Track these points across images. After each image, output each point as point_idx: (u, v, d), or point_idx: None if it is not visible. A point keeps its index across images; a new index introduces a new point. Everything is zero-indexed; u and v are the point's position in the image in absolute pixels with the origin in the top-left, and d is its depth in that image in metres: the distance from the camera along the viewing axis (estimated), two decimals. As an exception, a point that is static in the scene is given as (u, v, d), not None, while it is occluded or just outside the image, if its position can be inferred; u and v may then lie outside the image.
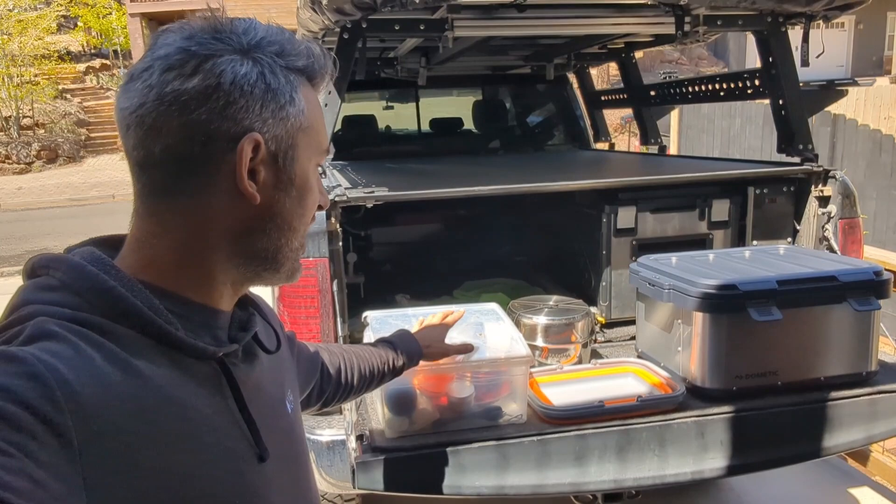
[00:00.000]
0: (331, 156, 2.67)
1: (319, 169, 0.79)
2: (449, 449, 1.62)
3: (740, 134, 9.22)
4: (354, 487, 1.61)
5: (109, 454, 0.57)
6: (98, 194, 13.41)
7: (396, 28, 2.22)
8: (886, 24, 20.89)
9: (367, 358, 1.27)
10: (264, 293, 1.26)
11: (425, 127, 4.52)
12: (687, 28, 2.27)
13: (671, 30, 2.30)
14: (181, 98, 0.65)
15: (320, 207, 0.80)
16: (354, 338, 2.21)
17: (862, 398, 1.83)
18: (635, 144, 12.11)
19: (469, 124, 4.65)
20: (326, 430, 2.02)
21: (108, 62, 21.49)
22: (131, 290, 0.66)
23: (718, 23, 2.38)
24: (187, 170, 0.68)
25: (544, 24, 2.33)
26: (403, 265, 3.20)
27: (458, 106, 4.81)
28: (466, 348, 1.49)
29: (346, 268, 2.19)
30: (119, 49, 21.22)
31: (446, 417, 1.70)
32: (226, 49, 0.68)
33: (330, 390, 1.19)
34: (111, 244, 0.74)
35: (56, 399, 0.54)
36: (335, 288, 2.05)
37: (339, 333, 2.06)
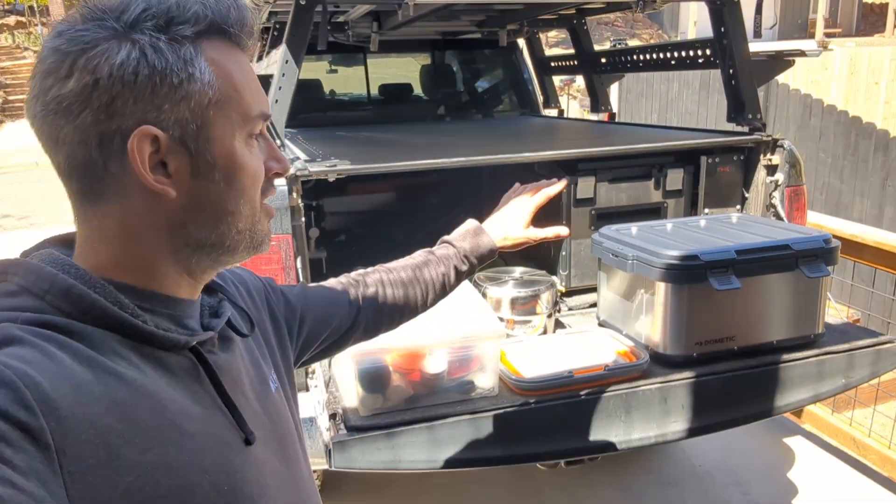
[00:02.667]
0: (281, 125, 2.58)
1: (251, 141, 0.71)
2: (425, 425, 1.64)
3: (678, 98, 9.43)
4: (331, 467, 1.61)
5: (88, 454, 0.55)
6: (21, 161, 12.68)
7: (357, -6, 2.16)
8: (812, -13, 21.57)
9: (415, 276, 1.15)
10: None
11: (374, 92, 4.43)
12: (646, -3, 2.28)
13: (631, -2, 2.32)
14: (63, 104, 0.61)
15: (278, 174, 0.74)
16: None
17: (810, 359, 1.94)
18: (575, 107, 12.23)
19: (418, 90, 4.59)
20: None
21: (23, 19, 20.12)
22: (93, 287, 0.64)
23: (674, -8, 2.41)
24: (95, 175, 0.64)
25: (504, -8, 2.30)
26: (359, 237, 3.16)
27: (406, 70, 4.73)
28: (558, 232, 1.28)
29: (309, 243, 2.15)
30: (35, 4, 19.86)
31: (420, 393, 1.72)
32: (100, 37, 0.62)
33: (364, 321, 1.10)
34: (69, 243, 0.71)
35: (28, 403, 0.53)
36: (299, 264, 2.02)
37: (305, 310, 2.02)
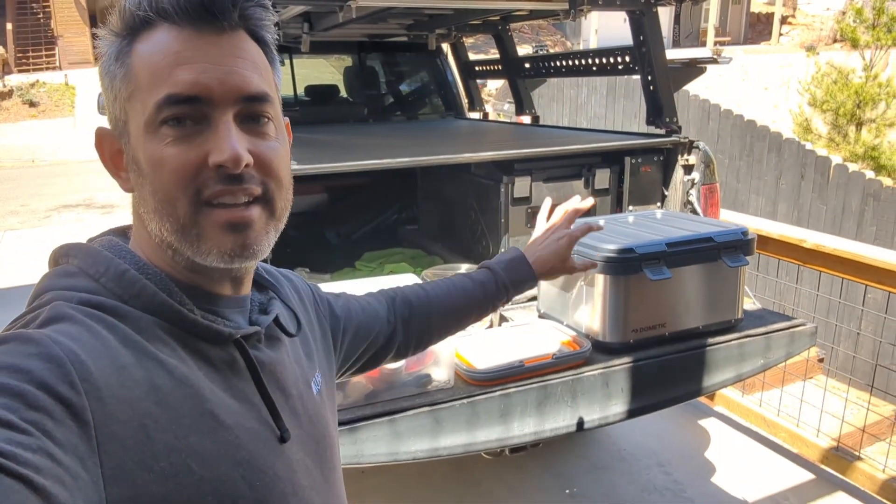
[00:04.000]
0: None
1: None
2: (386, 418, 1.68)
3: (586, 103, 9.83)
4: (294, 464, 1.62)
5: (125, 435, 0.57)
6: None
7: (299, -4, 2.17)
8: (704, -2, 22.88)
9: (451, 300, 1.13)
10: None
11: (300, 93, 4.40)
12: (577, 6, 2.41)
13: (563, 6, 2.43)
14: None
15: (219, 165, 0.65)
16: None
17: (732, 342, 2.12)
18: (489, 110, 12.46)
19: (343, 91, 4.59)
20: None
21: None
22: (146, 273, 0.66)
23: (599, 2, 2.55)
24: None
25: (444, -3, 2.37)
26: (296, 238, 3.15)
27: (331, 72, 4.72)
28: (590, 265, 1.31)
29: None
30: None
31: (378, 388, 1.75)
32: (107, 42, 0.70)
33: (398, 339, 1.08)
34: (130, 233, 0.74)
35: (72, 380, 0.55)
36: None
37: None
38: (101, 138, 0.71)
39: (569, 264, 1.23)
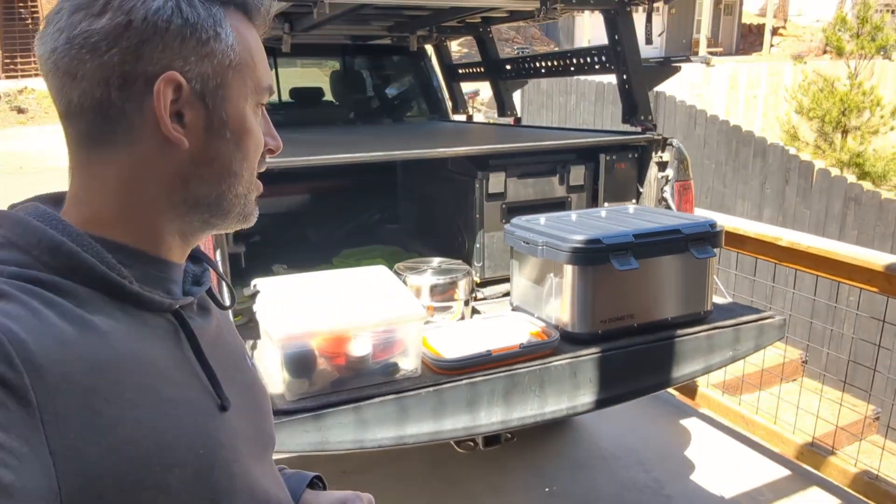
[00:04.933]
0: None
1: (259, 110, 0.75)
2: (351, 406, 1.69)
3: (575, 109, 9.90)
4: (259, 450, 1.62)
5: (70, 412, 0.56)
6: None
7: (271, -8, 2.19)
8: (695, 9, 23.09)
9: None
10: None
11: (284, 96, 4.43)
12: (548, 4, 2.44)
13: (534, 5, 2.47)
14: (91, 39, 0.62)
15: (271, 151, 0.76)
16: (236, 310, 2.18)
17: (701, 334, 2.14)
18: (480, 118, 12.53)
19: (328, 94, 4.62)
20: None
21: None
22: (80, 243, 0.63)
23: (573, 1, 2.58)
24: (109, 117, 0.65)
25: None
26: (276, 235, 3.16)
27: (317, 75, 4.75)
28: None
29: (227, 237, 2.15)
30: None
31: (345, 376, 1.77)
32: None
33: None
34: (56, 200, 0.70)
35: (11, 359, 0.53)
36: (218, 257, 2.02)
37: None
38: (172, 85, 0.65)
39: None
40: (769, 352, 4.15)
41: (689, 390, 3.67)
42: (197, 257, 0.81)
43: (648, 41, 2.54)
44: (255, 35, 0.73)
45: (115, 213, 0.67)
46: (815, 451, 2.90)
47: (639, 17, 2.80)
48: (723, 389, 3.69)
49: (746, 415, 3.36)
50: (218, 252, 2.02)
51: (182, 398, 0.66)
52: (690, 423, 3.57)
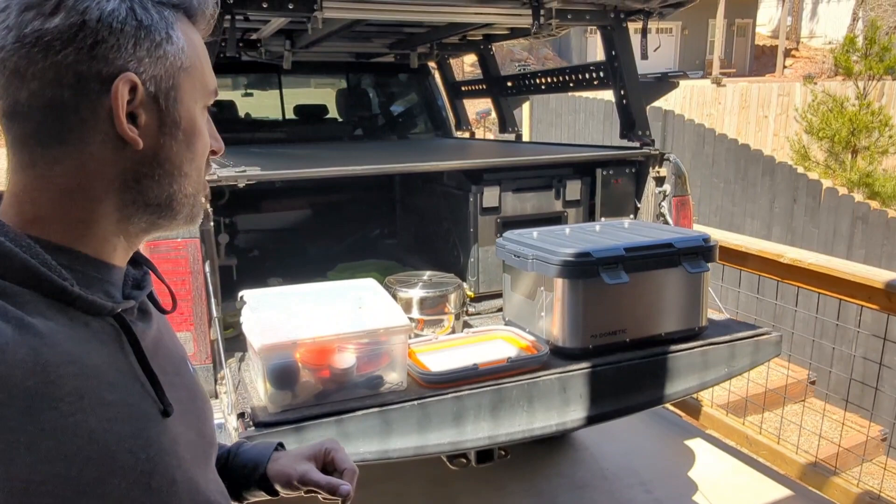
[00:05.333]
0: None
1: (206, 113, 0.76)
2: (333, 418, 1.67)
3: (584, 128, 9.92)
4: (239, 463, 1.60)
5: (8, 416, 0.55)
6: None
7: (264, 6, 2.21)
8: (708, 29, 23.15)
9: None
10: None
11: (289, 114, 4.46)
12: (542, 20, 2.44)
13: (527, 22, 2.47)
14: (44, 38, 0.61)
15: (213, 153, 0.77)
16: (228, 321, 2.18)
17: (695, 350, 2.10)
18: (491, 138, 12.62)
19: (333, 112, 4.65)
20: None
21: None
22: (19, 244, 0.62)
23: (569, 17, 2.59)
24: (59, 117, 0.64)
25: (410, 10, 2.42)
26: (274, 249, 3.17)
27: (322, 94, 4.78)
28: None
29: (218, 249, 2.16)
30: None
31: (329, 389, 1.75)
32: None
33: None
34: None
35: None
36: (207, 269, 2.02)
37: (213, 315, 2.03)
38: (131, 85, 0.65)
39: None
40: (774, 372, 4.09)
41: (693, 410, 3.61)
42: (137, 261, 0.80)
43: (644, 56, 2.54)
44: (200, 38, 0.74)
45: (58, 213, 0.66)
46: (819, 472, 2.83)
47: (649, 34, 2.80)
48: (727, 410, 3.63)
49: (750, 435, 3.30)
50: (207, 264, 2.02)
51: (124, 403, 0.65)
52: (694, 444, 3.51)
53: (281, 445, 1.02)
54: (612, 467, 3.27)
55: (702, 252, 2.08)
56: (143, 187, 0.69)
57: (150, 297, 0.78)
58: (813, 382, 5.18)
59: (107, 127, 0.65)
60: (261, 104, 4.58)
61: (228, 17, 2.14)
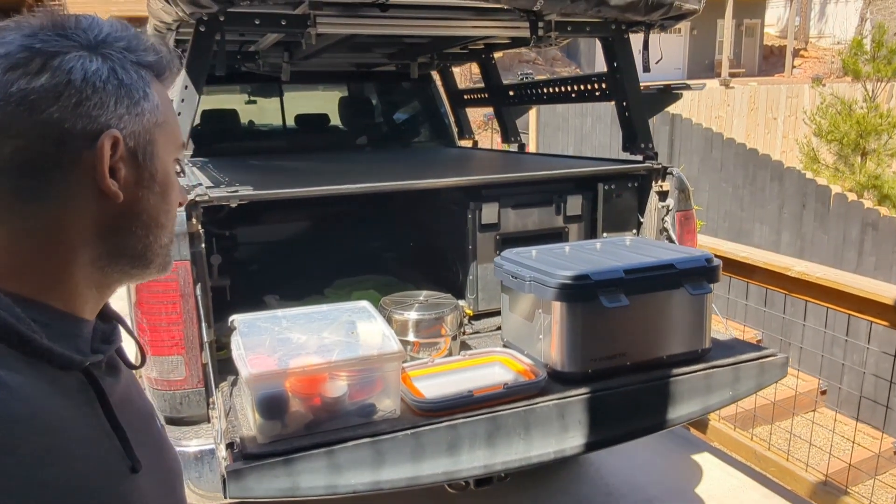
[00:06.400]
0: (189, 152, 2.57)
1: (177, 166, 0.80)
2: (323, 450, 1.63)
3: (591, 132, 9.84)
4: (226, 497, 1.57)
5: None
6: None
7: (256, 23, 2.17)
8: (717, 30, 23.01)
9: None
10: (118, 297, 1.13)
11: (290, 122, 4.43)
12: (541, 32, 2.39)
13: (526, 34, 2.42)
14: (29, 97, 0.64)
15: (180, 203, 0.80)
16: (220, 343, 2.14)
17: (698, 373, 2.04)
18: (497, 141, 12.58)
19: (335, 121, 4.62)
20: (194, 441, 1.95)
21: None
22: None
23: (569, 29, 2.54)
24: (42, 172, 0.66)
25: (406, 25, 2.38)
26: (271, 265, 3.13)
27: (324, 102, 4.75)
28: None
29: (210, 270, 2.12)
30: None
31: (320, 418, 1.71)
32: (72, 46, 0.67)
33: None
34: None
35: None
36: (198, 292, 1.98)
37: (205, 339, 1.99)
38: (118, 143, 0.68)
39: None
40: (783, 383, 4.02)
41: (701, 424, 3.55)
42: (106, 314, 0.80)
43: (646, 69, 2.48)
44: (167, 95, 0.78)
45: (32, 266, 0.67)
46: (829, 491, 2.76)
47: (651, 42, 2.73)
48: (734, 423, 3.56)
49: (758, 451, 3.23)
50: (198, 287, 1.98)
51: (92, 458, 0.65)
52: (701, 459, 3.45)
53: None
54: (616, 483, 3.21)
55: (704, 273, 2.02)
56: (120, 239, 0.71)
57: (118, 351, 0.78)
58: (824, 392, 5.09)
59: (89, 181, 0.67)
60: (263, 112, 4.56)
61: (218, 36, 2.11)
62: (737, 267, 3.13)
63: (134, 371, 0.82)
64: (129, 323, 0.91)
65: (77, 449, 0.63)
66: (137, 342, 0.84)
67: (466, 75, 16.48)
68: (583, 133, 9.91)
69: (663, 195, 2.62)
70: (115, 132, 0.67)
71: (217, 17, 2.09)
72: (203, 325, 1.97)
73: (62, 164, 0.66)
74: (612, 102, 2.87)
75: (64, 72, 0.65)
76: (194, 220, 1.97)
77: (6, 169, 0.65)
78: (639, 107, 2.70)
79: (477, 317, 2.55)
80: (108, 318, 0.80)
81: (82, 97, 0.66)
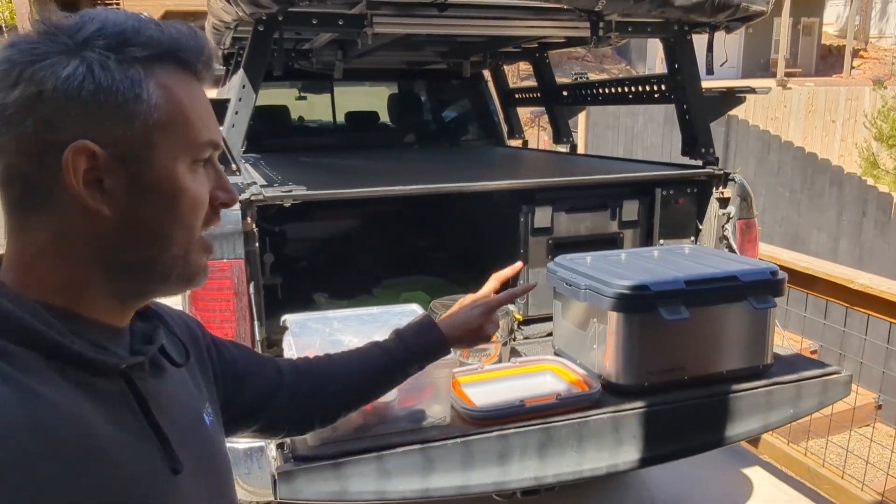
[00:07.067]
0: (242, 148, 2.58)
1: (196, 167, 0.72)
2: (373, 454, 1.61)
3: (643, 132, 9.64)
4: (276, 498, 1.57)
5: (8, 478, 0.54)
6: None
7: (314, 22, 2.17)
8: (773, 29, 22.34)
9: (353, 370, 1.11)
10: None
11: (340, 119, 4.45)
12: (601, 33, 2.33)
13: (586, 34, 2.37)
14: (6, 112, 0.62)
15: (224, 205, 0.74)
16: (272, 340, 2.15)
17: (759, 390, 1.96)
18: (545, 139, 12.44)
19: (384, 118, 4.62)
20: (244, 438, 1.97)
21: (-12, 37, 19.79)
22: (19, 304, 0.62)
23: (629, 29, 2.47)
24: (31, 186, 0.64)
25: (463, 25, 2.34)
26: (321, 263, 3.14)
27: (374, 98, 4.76)
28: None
29: (263, 269, 2.13)
30: (3, 24, 19.59)
31: (369, 422, 1.69)
32: (50, 52, 0.62)
33: (300, 410, 1.05)
34: None
35: None
36: (251, 290, 1.99)
37: (256, 337, 2.00)
38: (84, 154, 0.63)
39: (483, 333, 1.21)
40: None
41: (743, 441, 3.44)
42: (147, 314, 0.79)
43: (709, 71, 2.40)
44: (194, 88, 0.70)
45: (48, 278, 0.66)
46: (888, 515, 2.65)
47: (705, 42, 2.65)
48: (787, 437, 3.44)
49: (812, 467, 3.12)
50: (251, 285, 1.99)
51: (130, 460, 0.64)
52: (751, 473, 3.34)
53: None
54: (663, 496, 3.13)
55: (769, 286, 1.94)
56: (120, 252, 0.67)
57: (163, 350, 0.76)
58: (879, 407, 4.88)
59: (74, 195, 0.64)
60: (312, 108, 4.58)
61: (277, 35, 2.11)
62: (797, 277, 3.02)
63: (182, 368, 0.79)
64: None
65: (114, 453, 0.63)
66: (182, 341, 0.81)
67: (513, 72, 16.37)
68: (634, 133, 9.72)
69: (724, 202, 2.53)
70: (83, 142, 0.62)
71: (276, 16, 2.09)
72: (256, 322, 1.98)
73: (46, 179, 0.63)
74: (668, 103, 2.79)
75: (35, 82, 0.61)
76: (249, 219, 1.98)
77: (5, 182, 0.65)
78: (700, 110, 2.62)
79: (527, 322, 2.51)
80: (149, 318, 0.79)
81: (55, 107, 0.62)
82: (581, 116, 10.51)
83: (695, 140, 2.67)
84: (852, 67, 22.11)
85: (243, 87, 2.14)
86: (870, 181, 5.88)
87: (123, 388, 0.67)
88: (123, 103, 0.64)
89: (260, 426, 1.03)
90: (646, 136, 9.57)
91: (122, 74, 0.64)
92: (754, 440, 3.42)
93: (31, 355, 0.61)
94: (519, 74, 16.28)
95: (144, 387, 0.69)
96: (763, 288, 1.93)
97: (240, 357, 0.99)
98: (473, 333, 1.19)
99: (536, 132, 12.86)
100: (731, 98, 2.68)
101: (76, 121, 0.62)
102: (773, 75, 19.65)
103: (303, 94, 4.53)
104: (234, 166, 2.13)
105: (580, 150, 8.70)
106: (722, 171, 2.54)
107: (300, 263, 3.15)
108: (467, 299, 1.24)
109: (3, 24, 19.59)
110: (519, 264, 1.35)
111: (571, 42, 3.25)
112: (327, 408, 1.09)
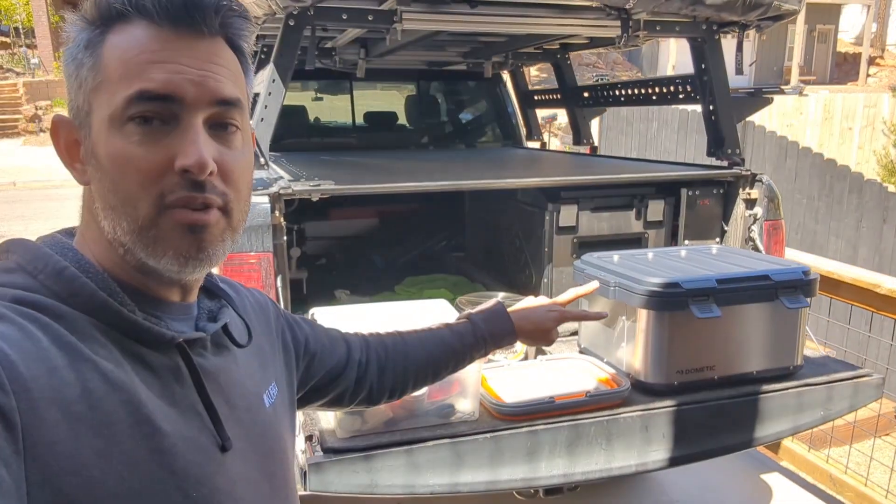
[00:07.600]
0: (265, 144, 2.58)
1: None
2: (403, 448, 1.60)
3: (657, 137, 9.61)
4: (305, 489, 1.56)
5: (54, 439, 0.55)
6: None
7: (344, 17, 2.17)
8: (787, 36, 22.24)
9: (428, 350, 1.12)
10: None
11: (359, 120, 4.46)
12: (630, 32, 2.32)
13: (615, 32, 2.36)
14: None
15: (185, 170, 0.63)
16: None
17: (789, 391, 1.94)
18: (556, 144, 12.42)
19: (402, 118, 4.62)
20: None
21: (7, 40, 19.97)
22: (86, 271, 0.64)
23: (658, 28, 2.46)
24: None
25: (493, 21, 2.34)
26: (343, 260, 3.14)
27: (391, 99, 4.76)
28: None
29: (290, 263, 2.13)
30: (21, 27, 19.77)
31: (399, 416, 1.68)
32: (78, 27, 0.68)
33: (374, 383, 1.07)
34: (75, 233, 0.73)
35: (1, 381, 0.53)
36: (279, 283, 1.99)
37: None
38: (58, 126, 0.68)
39: (550, 336, 1.26)
40: (862, 405, 3.81)
41: (773, 442, 3.40)
42: (214, 293, 0.79)
43: (739, 71, 2.38)
44: (149, 35, 0.64)
45: (99, 250, 0.68)
46: (915, 524, 2.61)
47: (727, 45, 2.65)
48: (809, 443, 3.40)
49: (834, 474, 3.08)
50: (279, 278, 1.99)
51: (177, 436, 0.64)
52: (772, 479, 3.30)
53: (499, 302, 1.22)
54: (681, 500, 3.10)
55: (801, 286, 1.92)
56: (102, 224, 0.67)
57: (225, 330, 0.76)
58: (901, 417, 4.83)
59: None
60: (331, 108, 4.59)
61: (309, 29, 2.11)
62: (821, 281, 2.99)
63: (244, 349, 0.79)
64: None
65: (163, 425, 0.63)
66: (245, 321, 0.81)
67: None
68: (647, 138, 9.69)
69: (751, 203, 2.51)
70: (58, 115, 0.68)
71: (307, 11, 2.09)
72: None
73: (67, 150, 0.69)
74: (684, 107, 2.77)
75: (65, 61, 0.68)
76: (277, 213, 1.98)
77: None
78: (727, 111, 2.60)
79: (551, 321, 2.49)
80: (217, 296, 0.79)
81: (69, 81, 0.67)
82: (594, 121, 10.49)
83: (721, 141, 2.65)
84: (868, 75, 21.97)
85: (273, 81, 2.14)
86: (890, 188, 5.82)
87: (178, 363, 0.67)
88: (78, 70, 0.66)
89: (327, 401, 1.05)
90: (660, 142, 9.53)
91: (84, 42, 0.66)
92: (774, 445, 3.39)
93: (92, 322, 0.62)
94: (530, 81, 16.30)
95: (202, 363, 0.69)
96: (795, 288, 1.91)
97: (312, 335, 1.00)
98: (543, 333, 1.24)
99: (548, 137, 12.84)
100: (759, 99, 2.66)
101: (72, 94, 0.67)
102: (787, 83, 19.55)
103: (320, 95, 4.54)
104: (262, 160, 2.13)
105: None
106: (749, 172, 2.52)
107: (319, 260, 3.16)
108: (540, 301, 1.28)
109: (21, 27, 19.78)
110: (595, 283, 1.44)
111: (595, 43, 3.25)
112: (406, 384, 1.11)
